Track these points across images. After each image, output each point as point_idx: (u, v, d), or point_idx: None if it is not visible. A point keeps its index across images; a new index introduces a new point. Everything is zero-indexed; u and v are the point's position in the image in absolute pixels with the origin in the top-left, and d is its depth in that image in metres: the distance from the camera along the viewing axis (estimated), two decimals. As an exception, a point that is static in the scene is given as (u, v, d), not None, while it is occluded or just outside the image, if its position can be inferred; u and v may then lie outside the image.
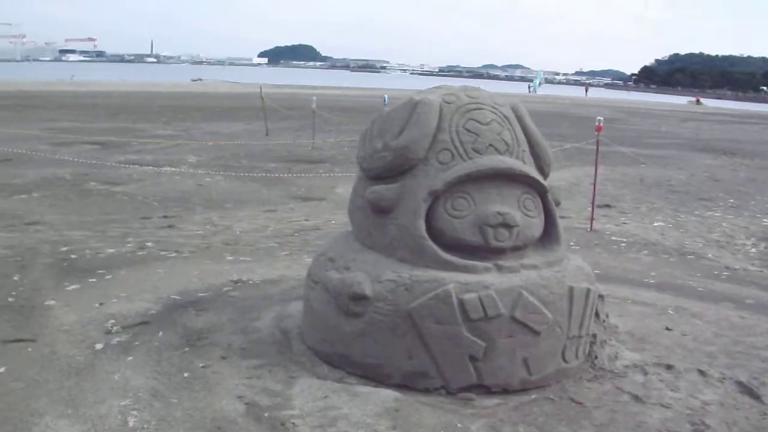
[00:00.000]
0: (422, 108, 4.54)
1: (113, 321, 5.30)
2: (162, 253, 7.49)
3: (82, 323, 5.25)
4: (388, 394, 4.11)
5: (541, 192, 4.60)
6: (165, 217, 9.34)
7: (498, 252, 4.39)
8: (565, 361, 4.44)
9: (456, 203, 4.37)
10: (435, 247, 4.33)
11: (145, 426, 3.79)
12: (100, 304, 5.71)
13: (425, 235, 4.36)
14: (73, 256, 7.15)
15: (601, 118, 9.77)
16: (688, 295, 6.50)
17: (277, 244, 8.13)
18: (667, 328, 5.44)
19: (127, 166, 13.59)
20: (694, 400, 4.20)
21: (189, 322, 5.27)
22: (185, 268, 6.85)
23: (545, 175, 4.85)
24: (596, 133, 9.66)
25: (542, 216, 4.60)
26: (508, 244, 4.38)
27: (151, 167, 13.59)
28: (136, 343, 4.89)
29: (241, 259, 7.39)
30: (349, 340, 4.39)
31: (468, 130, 4.51)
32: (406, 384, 4.26)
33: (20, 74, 68.86)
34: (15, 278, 6.34)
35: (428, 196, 4.38)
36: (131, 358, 4.64)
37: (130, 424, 3.81)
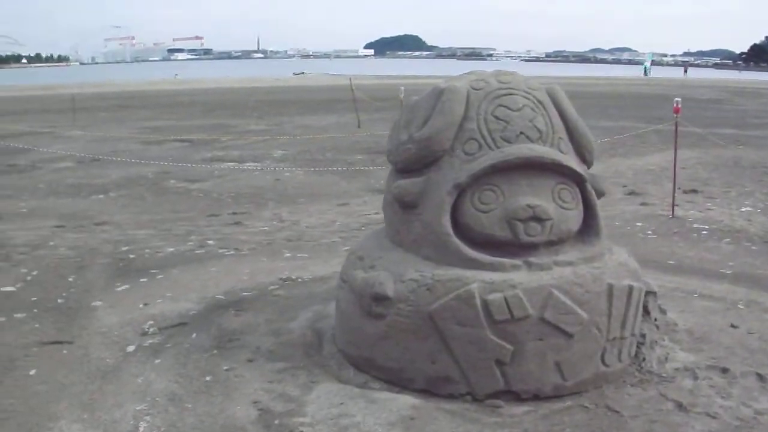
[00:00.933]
0: (448, 96, 4.26)
1: (152, 322, 5.30)
2: (221, 251, 7.51)
3: (121, 325, 5.28)
4: (406, 401, 3.87)
5: (579, 182, 4.23)
6: (234, 213, 9.38)
7: (529, 248, 4.07)
8: (605, 364, 4.07)
9: (483, 196, 4.07)
10: (460, 243, 4.05)
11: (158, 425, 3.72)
12: (145, 304, 5.74)
13: (449, 231, 4.09)
14: (131, 256, 7.27)
15: (679, 100, 9.10)
16: (764, 288, 5.90)
17: (340, 239, 7.99)
18: (732, 326, 4.93)
19: (210, 163, 13.84)
20: (747, 408, 3.75)
21: (225, 323, 5.20)
22: (239, 267, 6.82)
23: (588, 164, 4.47)
24: (675, 115, 9.00)
25: (581, 208, 4.23)
26: (540, 239, 4.05)
27: (234, 163, 13.77)
28: (168, 345, 4.86)
29: (299, 255, 7.31)
30: (373, 343, 4.18)
31: (497, 118, 4.20)
32: (430, 389, 4.01)
33: (128, 75, 72.09)
34: (70, 279, 6.49)
35: (453, 189, 4.10)
36: (159, 360, 4.60)
37: (140, 429, 3.75)
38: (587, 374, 4.01)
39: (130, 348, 4.84)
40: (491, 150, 4.13)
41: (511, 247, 4.05)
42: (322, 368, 4.36)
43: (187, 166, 13.20)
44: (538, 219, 4.02)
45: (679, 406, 3.79)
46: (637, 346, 4.36)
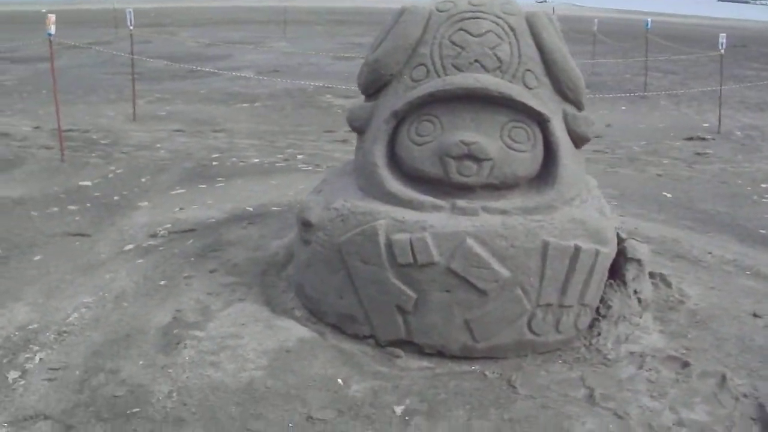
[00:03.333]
0: (405, 17, 3.85)
1: (169, 226, 5.57)
2: (300, 166, 7.63)
3: (143, 225, 5.61)
4: (299, 333, 3.71)
5: (541, 121, 3.64)
6: (349, 131, 9.39)
7: (465, 189, 3.62)
8: (532, 332, 3.56)
9: (421, 128, 3.67)
10: (385, 175, 3.71)
11: (76, 323, 3.94)
12: (180, 209, 6.03)
13: (377, 161, 3.75)
14: (214, 163, 7.64)
15: None
16: None
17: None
18: (755, 315, 4.04)
19: None
20: (671, 415, 3.08)
21: (226, 234, 5.30)
22: (299, 182, 6.84)
23: (572, 102, 3.83)
24: None
25: (539, 151, 3.66)
26: (475, 180, 3.58)
27: None
28: (161, 248, 5.07)
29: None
30: (302, 269, 4.03)
31: (453, 43, 3.72)
32: (339, 326, 3.80)
33: None
34: (143, 180, 6.98)
35: (390, 117, 3.73)
36: (140, 261, 4.83)
37: (69, 319, 3.99)
38: (506, 339, 3.55)
39: (128, 247, 5.13)
40: (438, 77, 3.67)
41: (444, 186, 3.63)
42: (263, 288, 4.29)
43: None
44: (474, 158, 3.54)
45: (590, 396, 3.22)
46: (597, 319, 3.76)
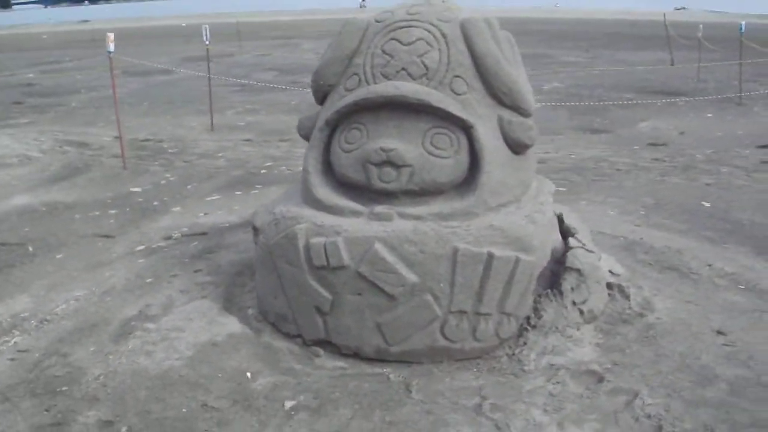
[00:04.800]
0: (344, 29, 4.15)
1: (186, 229, 6.14)
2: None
3: (163, 228, 6.22)
4: (231, 329, 4.08)
5: (466, 127, 3.81)
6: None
7: (389, 195, 3.85)
8: (446, 338, 3.72)
9: (350, 136, 3.95)
10: (313, 182, 4.02)
11: (58, 314, 4.53)
12: (204, 214, 6.62)
13: (309, 168, 4.07)
14: (262, 171, 8.21)
15: None
16: None
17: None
18: (719, 332, 3.93)
19: None
20: (558, 431, 3.16)
21: (229, 238, 5.78)
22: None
23: (512, 107, 3.96)
24: None
25: (462, 157, 3.82)
26: (395, 186, 3.80)
27: None
28: (165, 249, 5.64)
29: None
30: (255, 271, 4.42)
31: (384, 52, 3.97)
32: (275, 325, 4.14)
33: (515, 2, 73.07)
34: (189, 186, 7.66)
35: (324, 125, 4.05)
36: (141, 261, 5.41)
37: (55, 310, 4.59)
38: (418, 344, 3.73)
39: (139, 248, 5.74)
40: (368, 86, 3.95)
41: (369, 192, 3.89)
42: (230, 287, 4.69)
43: None
44: (393, 164, 3.77)
45: (479, 406, 3.34)
46: (526, 329, 3.86)
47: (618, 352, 3.77)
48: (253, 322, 4.20)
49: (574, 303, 3.97)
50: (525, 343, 3.81)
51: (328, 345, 3.91)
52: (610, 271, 4.56)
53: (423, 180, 3.79)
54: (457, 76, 3.88)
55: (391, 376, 3.65)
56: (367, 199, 3.89)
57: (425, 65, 3.87)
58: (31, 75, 18.54)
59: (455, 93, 3.86)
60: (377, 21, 4.12)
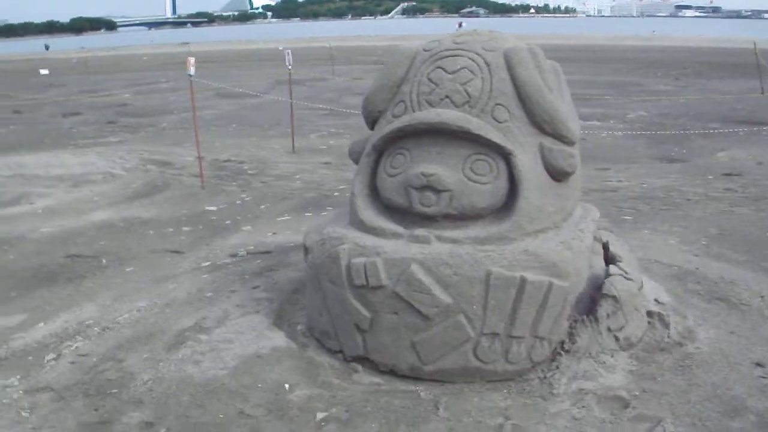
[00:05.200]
0: (392, 58, 4.37)
1: (252, 247, 6.45)
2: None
3: (231, 246, 6.55)
4: (277, 343, 4.29)
5: (506, 154, 3.94)
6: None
7: (430, 219, 4.01)
8: (478, 359, 3.82)
9: (395, 161, 4.14)
10: (358, 204, 4.22)
11: (120, 322, 4.86)
12: (273, 233, 6.91)
13: (356, 191, 4.28)
14: (335, 194, 8.49)
15: None
16: None
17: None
18: (758, 364, 3.89)
19: None
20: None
21: (292, 257, 6.02)
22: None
23: (553, 135, 4.06)
24: None
25: (502, 183, 3.95)
26: (435, 210, 3.95)
27: (593, 121, 13.58)
28: (230, 265, 5.95)
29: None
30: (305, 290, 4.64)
31: (430, 80, 4.15)
32: (320, 340, 4.33)
33: (619, 28, 72.14)
34: (262, 207, 8.01)
35: (371, 150, 4.26)
36: (205, 276, 5.73)
37: (118, 319, 4.94)
38: (452, 364, 3.84)
39: (205, 264, 6.07)
40: (413, 113, 4.13)
41: (412, 216, 4.05)
42: (283, 304, 4.92)
43: None
44: (434, 189, 3.93)
45: (501, 426, 3.40)
46: (559, 354, 3.92)
47: (650, 380, 3.78)
48: (300, 338, 4.41)
49: (609, 329, 4.00)
50: (558, 367, 3.86)
51: (366, 361, 4.07)
52: (656, 300, 4.57)
53: (462, 204, 3.92)
54: (499, 104, 4.00)
55: (422, 393, 3.78)
56: (409, 222, 4.05)
57: (468, 93, 4.02)
58: (127, 95, 19.60)
59: (496, 120, 3.98)
60: (425, 50, 4.30)
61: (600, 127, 12.50)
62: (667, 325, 4.24)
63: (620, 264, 4.36)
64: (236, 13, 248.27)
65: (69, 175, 9.27)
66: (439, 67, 4.15)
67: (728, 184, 8.08)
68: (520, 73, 4.04)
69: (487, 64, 4.08)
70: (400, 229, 4.02)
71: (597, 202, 7.22)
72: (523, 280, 3.73)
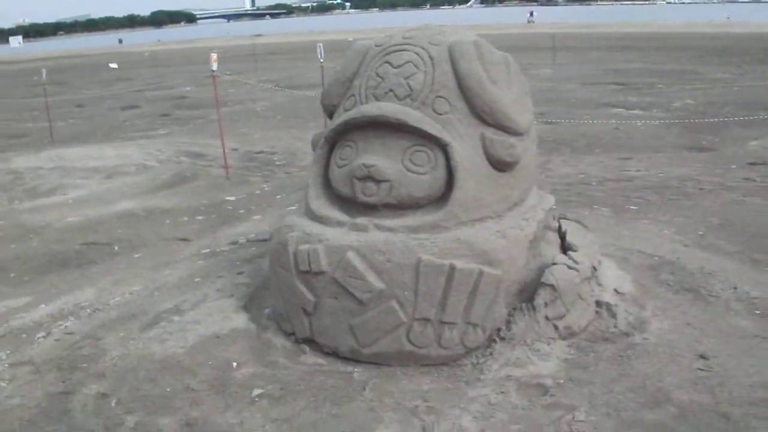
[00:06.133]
0: (348, 54, 4.67)
1: (253, 236, 6.85)
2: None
3: (235, 234, 6.96)
4: (239, 325, 4.65)
5: (442, 145, 4.19)
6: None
7: (373, 208, 4.30)
8: (411, 343, 4.09)
9: (343, 153, 4.44)
10: (310, 195, 4.53)
11: (111, 304, 5.34)
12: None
13: (309, 182, 4.60)
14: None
15: None
16: None
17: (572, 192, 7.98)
18: (702, 356, 3.99)
19: (606, 108, 13.88)
20: None
21: (285, 245, 6.40)
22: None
23: (495, 126, 4.28)
24: None
25: (439, 173, 4.20)
26: (376, 199, 4.24)
27: (622, 109, 13.55)
28: (226, 252, 6.37)
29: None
30: (273, 275, 5.01)
31: (377, 75, 4.44)
32: (277, 321, 4.68)
33: (695, 15, 69.83)
34: (278, 197, 8.43)
35: (324, 143, 4.58)
36: (201, 262, 6.17)
37: (110, 302, 5.42)
38: (387, 348, 4.11)
39: (205, 251, 6.52)
40: (359, 106, 4.43)
41: (357, 205, 4.35)
42: (260, 290, 5.27)
43: (576, 111, 13.39)
44: (374, 179, 4.22)
45: (416, 408, 3.67)
46: (494, 341, 4.16)
47: (581, 369, 3.95)
48: (264, 320, 4.76)
49: (547, 318, 4.19)
50: (491, 354, 4.09)
51: (315, 343, 4.40)
52: (615, 290, 4.70)
53: (400, 194, 4.19)
54: (440, 97, 4.25)
55: (356, 375, 4.08)
56: (355, 211, 4.35)
57: (410, 87, 4.28)
58: (188, 88, 20.43)
59: (436, 113, 4.23)
60: (377, 45, 4.58)
61: (640, 116, 12.39)
62: (614, 315, 4.38)
63: (572, 254, 4.54)
64: (314, 4, 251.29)
65: (104, 167, 9.95)
66: (386, 62, 4.42)
67: (749, 174, 7.99)
68: (461, 65, 4.27)
69: (431, 58, 4.33)
70: (344, 217, 4.32)
71: (608, 191, 7.37)
72: (452, 268, 3.97)
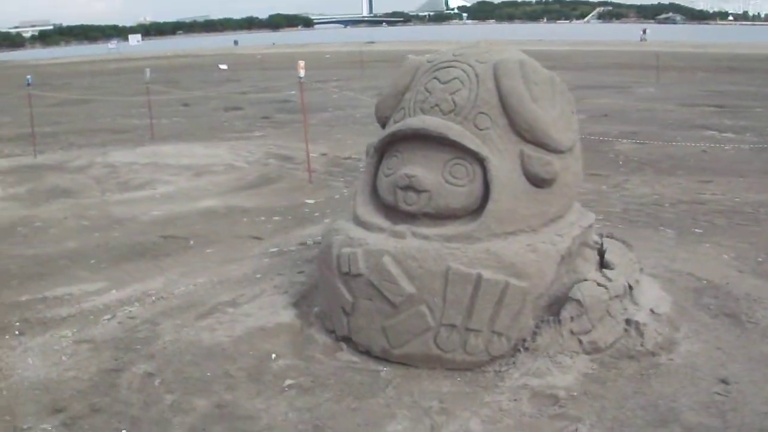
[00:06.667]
0: (401, 68, 4.94)
1: (320, 237, 7.17)
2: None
3: (305, 235, 7.31)
4: (285, 320, 4.96)
5: (480, 159, 4.40)
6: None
7: (412, 217, 4.55)
8: (438, 348, 4.30)
9: (390, 162, 4.71)
10: (357, 201, 4.82)
11: (175, 294, 5.78)
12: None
13: (357, 190, 4.90)
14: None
15: None
16: None
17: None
18: (723, 381, 4.05)
19: (706, 131, 13.51)
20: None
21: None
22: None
23: (534, 143, 4.45)
24: None
25: (476, 186, 4.40)
26: (416, 208, 4.48)
27: (728, 133, 13.20)
28: (293, 252, 6.72)
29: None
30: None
31: (426, 89, 4.68)
32: (322, 319, 4.98)
33: None
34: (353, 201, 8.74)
35: (373, 152, 4.87)
36: (267, 260, 6.54)
37: (175, 291, 5.86)
38: (415, 350, 4.34)
39: (273, 249, 6.92)
40: (405, 119, 4.70)
41: (399, 213, 4.61)
42: (314, 288, 5.60)
43: (675, 132, 13.19)
44: (414, 189, 4.47)
45: (429, 408, 3.87)
46: (519, 350, 4.32)
47: (598, 384, 4.06)
48: (311, 318, 5.07)
49: (572, 332, 4.31)
50: (514, 363, 4.25)
51: (352, 342, 4.68)
52: (651, 310, 4.74)
53: (438, 204, 4.42)
54: (482, 113, 4.45)
55: (383, 373, 4.32)
56: (397, 218, 4.60)
57: (455, 102, 4.50)
58: (292, 92, 21.00)
59: (478, 128, 4.43)
60: (428, 61, 4.82)
61: (731, 140, 12.05)
62: (641, 334, 4.45)
63: (606, 271, 4.64)
64: (432, 13, 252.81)
65: (195, 165, 10.58)
66: (435, 78, 4.66)
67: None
68: (504, 83, 4.46)
69: (477, 75, 4.53)
70: (386, 224, 4.58)
71: (678, 213, 7.34)
72: (479, 277, 4.16)
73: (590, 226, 4.83)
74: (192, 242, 7.27)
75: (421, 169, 4.45)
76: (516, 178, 4.40)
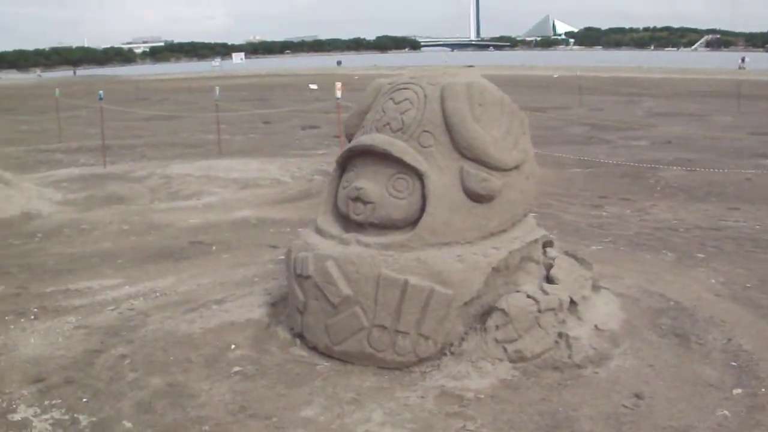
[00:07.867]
0: (367, 89, 5.50)
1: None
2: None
3: (316, 245, 7.95)
4: (255, 317, 5.52)
5: (419, 174, 4.89)
6: (622, 198, 10.20)
7: (361, 226, 5.09)
8: (371, 347, 4.78)
9: (347, 176, 5.26)
10: (319, 211, 5.38)
11: (179, 292, 6.51)
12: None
13: (322, 200, 5.46)
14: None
15: None
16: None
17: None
18: (637, 396, 4.35)
19: (762, 159, 13.40)
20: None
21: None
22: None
23: (475, 160, 4.88)
24: None
25: (415, 199, 4.88)
26: (362, 218, 5.00)
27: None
28: (282, 261, 7.32)
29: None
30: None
31: (382, 109, 5.22)
32: (289, 323, 5.57)
33: None
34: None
35: (336, 166, 5.44)
36: (271, 266, 7.18)
37: (180, 289, 6.59)
38: (350, 348, 4.80)
39: (281, 257, 7.52)
40: (361, 137, 5.26)
41: (351, 222, 5.17)
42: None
43: (731, 160, 13.10)
44: (362, 201, 5.01)
45: (342, 398, 4.33)
46: (445, 354, 4.76)
47: (511, 390, 4.41)
48: (282, 317, 5.66)
49: (497, 340, 4.70)
50: (439, 365, 4.69)
51: (304, 339, 5.23)
52: (596, 326, 5.05)
53: (381, 215, 4.92)
54: (426, 131, 4.92)
55: (320, 367, 4.82)
56: (351, 227, 5.13)
57: (403, 121, 5.00)
58: (372, 113, 22.01)
59: (421, 145, 4.91)
60: (389, 84, 5.36)
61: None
62: (569, 347, 4.79)
63: (547, 286, 5.02)
64: (539, 38, 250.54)
65: (243, 179, 11.40)
66: (390, 99, 5.17)
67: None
68: (448, 105, 4.92)
69: (425, 96, 5.01)
70: (339, 232, 5.13)
71: (689, 238, 7.54)
72: (406, 283, 4.64)
73: (535, 241, 5.19)
74: (214, 248, 7.99)
75: (368, 182, 4.96)
76: (454, 192, 4.84)
